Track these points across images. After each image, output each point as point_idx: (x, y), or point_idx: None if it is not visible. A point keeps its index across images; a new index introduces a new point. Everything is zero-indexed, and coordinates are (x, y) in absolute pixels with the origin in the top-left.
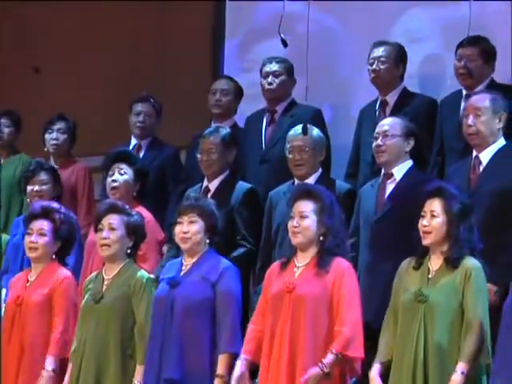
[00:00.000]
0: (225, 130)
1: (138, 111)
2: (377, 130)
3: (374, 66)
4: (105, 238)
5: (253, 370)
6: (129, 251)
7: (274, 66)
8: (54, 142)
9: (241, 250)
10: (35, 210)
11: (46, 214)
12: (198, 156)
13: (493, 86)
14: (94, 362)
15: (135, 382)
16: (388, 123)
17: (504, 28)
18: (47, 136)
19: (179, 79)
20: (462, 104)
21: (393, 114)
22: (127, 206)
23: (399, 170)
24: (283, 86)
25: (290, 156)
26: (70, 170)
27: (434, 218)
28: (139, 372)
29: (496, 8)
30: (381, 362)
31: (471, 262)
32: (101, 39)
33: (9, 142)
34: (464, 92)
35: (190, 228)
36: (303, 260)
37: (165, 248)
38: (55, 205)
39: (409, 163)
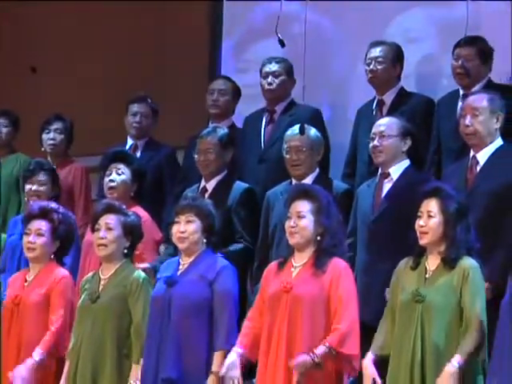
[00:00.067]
0: (222, 130)
1: (135, 111)
2: (373, 130)
3: (371, 67)
4: (102, 238)
5: (250, 370)
6: (125, 251)
7: (274, 66)
8: (51, 141)
9: (238, 246)
10: (33, 210)
11: (44, 214)
12: (196, 156)
13: (490, 86)
14: (90, 362)
15: (131, 382)
16: (384, 123)
17: (500, 28)
18: (44, 136)
19: (176, 79)
20: (459, 104)
21: (390, 113)
22: (124, 206)
23: (396, 170)
24: (283, 86)
25: (288, 156)
26: (66, 169)
27: (430, 218)
28: (135, 371)
29: (492, 8)
30: (375, 353)
31: (468, 262)
32: (98, 39)
33: (6, 141)
34: (461, 92)
35: (187, 228)
36: (300, 260)
37: (162, 248)
38: (53, 205)
39: (406, 163)
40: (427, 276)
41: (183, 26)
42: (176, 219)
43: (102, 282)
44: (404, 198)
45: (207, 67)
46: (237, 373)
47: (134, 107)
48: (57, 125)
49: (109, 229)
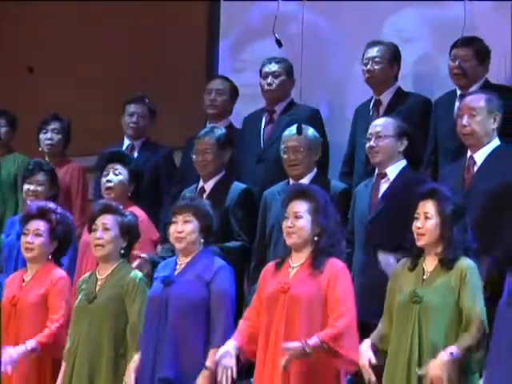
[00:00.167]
0: (220, 130)
1: (131, 112)
2: (369, 130)
3: (368, 67)
4: (99, 239)
5: (248, 369)
6: (122, 251)
7: (274, 67)
8: (49, 141)
9: (236, 243)
10: (32, 211)
11: (42, 214)
12: (194, 157)
13: (487, 87)
14: (86, 362)
15: (126, 381)
16: (380, 124)
17: (493, 27)
18: (42, 136)
19: (174, 79)
20: (457, 104)
21: (387, 113)
22: (121, 207)
23: (393, 170)
24: (282, 87)
25: (285, 156)
26: (64, 169)
27: (427, 219)
28: (128, 370)
29: (485, 7)
30: (373, 342)
31: (466, 263)
32: (96, 39)
33: (4, 141)
34: (458, 92)
35: (184, 228)
36: (298, 260)
37: (159, 248)
38: (52, 205)
39: (402, 163)
40: (425, 277)
41: (180, 26)
42: (173, 219)
43: (99, 282)
44: (401, 198)
45: (204, 67)
46: (231, 362)
47: (131, 107)
48: (54, 125)
49: (106, 229)
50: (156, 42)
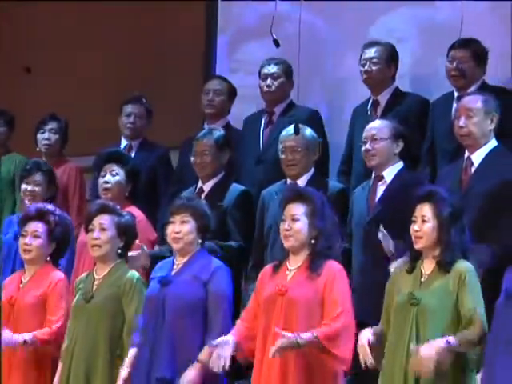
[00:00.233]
0: (218, 132)
1: (129, 112)
2: (364, 134)
3: (366, 67)
4: (96, 239)
5: (246, 369)
6: (119, 251)
7: (273, 68)
8: (46, 141)
9: (234, 243)
10: (30, 212)
11: (40, 215)
12: (192, 158)
13: (484, 88)
14: (83, 362)
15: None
16: (375, 127)
17: (485, 28)
18: (39, 136)
19: (171, 79)
20: (454, 105)
21: (384, 113)
22: (118, 207)
23: (390, 173)
24: (281, 88)
25: (283, 156)
26: (61, 169)
27: (424, 222)
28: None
29: (475, 8)
30: (373, 332)
31: (464, 265)
32: (93, 39)
33: (1, 141)
34: (456, 94)
35: (181, 228)
36: (295, 263)
37: (156, 248)
38: (50, 207)
39: (399, 165)
40: (423, 279)
41: (178, 27)
42: (171, 219)
43: (96, 282)
44: (398, 200)
45: (202, 67)
46: (227, 352)
47: (128, 108)
48: (52, 125)
49: (103, 229)
50: (153, 42)
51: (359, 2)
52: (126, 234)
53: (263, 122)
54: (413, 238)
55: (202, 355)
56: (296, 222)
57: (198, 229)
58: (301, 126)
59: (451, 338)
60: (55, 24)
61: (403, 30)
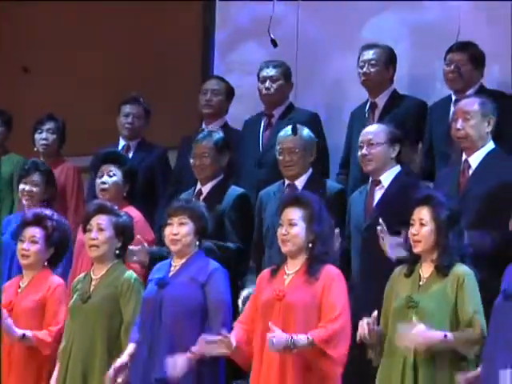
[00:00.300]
0: (218, 134)
1: (127, 113)
2: (361, 138)
3: (364, 69)
4: (93, 239)
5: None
6: (117, 252)
7: (271, 71)
8: (44, 141)
9: (232, 244)
10: (28, 218)
11: (38, 221)
12: (191, 160)
13: (482, 91)
14: (80, 362)
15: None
16: (372, 131)
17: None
18: (37, 136)
19: (169, 79)
20: (452, 108)
21: (382, 116)
22: (116, 207)
23: (387, 177)
24: (280, 91)
25: (281, 157)
26: (59, 169)
27: (422, 226)
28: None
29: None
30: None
31: (462, 269)
32: (90, 39)
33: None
34: (453, 97)
35: (179, 230)
36: (293, 267)
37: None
38: (48, 212)
39: (396, 169)
40: (421, 283)
41: (175, 27)
42: (169, 221)
43: (94, 283)
44: (396, 204)
45: (200, 67)
46: (232, 337)
47: (127, 108)
48: (49, 125)
49: (100, 229)
50: (151, 43)
51: (357, 2)
52: (124, 234)
53: (262, 124)
54: (411, 241)
55: (196, 348)
56: (293, 226)
57: (196, 231)
58: (298, 126)
59: (449, 334)
60: (55, 24)
61: (387, 32)
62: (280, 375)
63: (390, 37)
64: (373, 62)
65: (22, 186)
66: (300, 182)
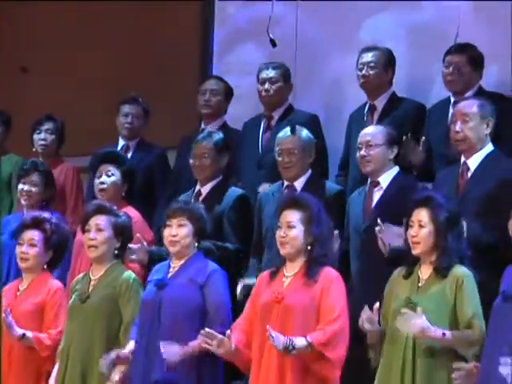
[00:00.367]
0: (218, 135)
1: (126, 112)
2: (359, 139)
3: (363, 72)
4: (92, 239)
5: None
6: (116, 252)
7: (271, 73)
8: (43, 142)
9: (231, 245)
10: (26, 221)
11: (36, 224)
12: (191, 161)
13: (481, 93)
14: (79, 362)
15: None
16: (370, 133)
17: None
18: (35, 136)
19: (167, 79)
20: (451, 111)
21: (381, 118)
22: (114, 207)
23: (385, 178)
24: (280, 92)
25: (280, 159)
26: (58, 169)
27: (421, 228)
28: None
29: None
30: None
31: (461, 271)
32: (90, 39)
33: None
34: (452, 99)
35: (178, 231)
36: (292, 270)
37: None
38: (46, 215)
39: (395, 170)
40: (420, 284)
41: (174, 27)
42: (168, 222)
43: (92, 283)
44: (394, 205)
45: (198, 67)
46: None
47: (126, 108)
48: (48, 125)
49: (99, 230)
50: (150, 43)
51: (356, 2)
52: (123, 234)
53: (262, 126)
54: (410, 243)
55: (193, 343)
56: (292, 229)
57: (195, 232)
58: (297, 126)
59: (448, 332)
60: (54, 24)
61: (383, 33)
62: (279, 378)
63: (389, 37)
64: (372, 64)
65: (21, 186)
66: (299, 183)
